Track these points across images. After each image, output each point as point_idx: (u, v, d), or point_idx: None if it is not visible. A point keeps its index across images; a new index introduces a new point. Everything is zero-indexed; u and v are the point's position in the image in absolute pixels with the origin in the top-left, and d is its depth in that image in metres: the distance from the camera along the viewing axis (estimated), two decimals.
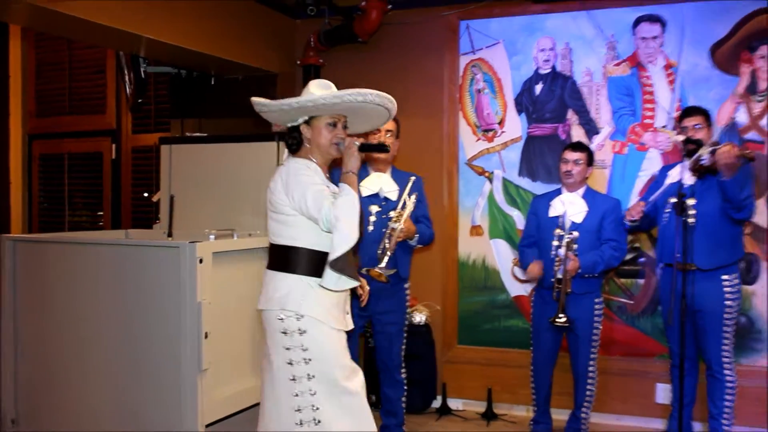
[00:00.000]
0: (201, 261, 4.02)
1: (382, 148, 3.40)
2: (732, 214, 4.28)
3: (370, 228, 4.35)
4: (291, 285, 3.21)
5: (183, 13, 4.85)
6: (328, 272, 3.14)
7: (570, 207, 4.58)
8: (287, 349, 3.20)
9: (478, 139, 5.58)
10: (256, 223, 5.05)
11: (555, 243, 4.54)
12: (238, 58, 5.30)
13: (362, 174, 4.44)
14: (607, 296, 5.29)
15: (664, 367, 4.99)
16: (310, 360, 3.18)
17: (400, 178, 4.51)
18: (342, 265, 3.09)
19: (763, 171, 4.99)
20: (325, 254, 3.15)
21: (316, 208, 3.10)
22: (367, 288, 3.59)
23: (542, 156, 5.34)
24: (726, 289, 4.40)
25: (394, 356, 4.61)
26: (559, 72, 5.40)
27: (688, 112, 4.52)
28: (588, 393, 4.71)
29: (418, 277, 5.10)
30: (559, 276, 4.46)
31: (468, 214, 5.60)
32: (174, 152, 5.32)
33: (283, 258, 3.26)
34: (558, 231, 4.55)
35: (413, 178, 4.49)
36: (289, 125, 3.36)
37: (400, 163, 4.69)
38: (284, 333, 3.20)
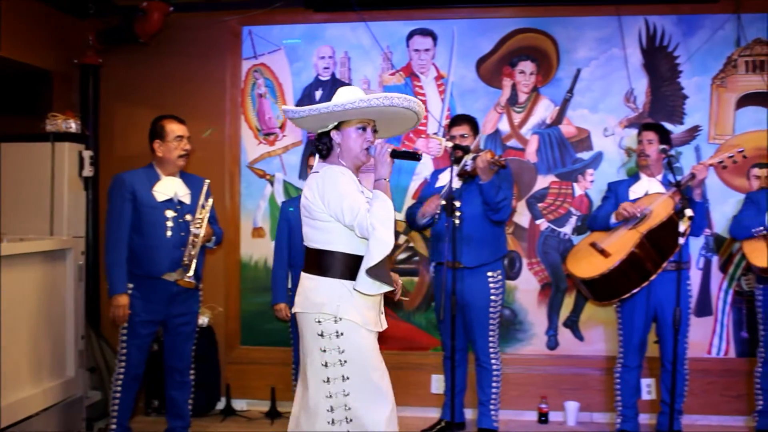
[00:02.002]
0: None
1: (415, 156, 3.36)
2: (490, 215, 4.61)
3: (169, 233, 4.35)
4: (328, 288, 3.19)
5: None
6: (365, 278, 3.11)
7: None
8: (323, 351, 3.19)
9: (260, 143, 5.66)
10: (28, 227, 4.86)
11: None
12: (7, 53, 5.05)
13: (153, 178, 4.43)
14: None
15: (437, 359, 5.26)
16: (346, 362, 3.17)
17: (189, 182, 4.53)
18: (378, 271, 3.08)
19: (524, 175, 5.41)
20: (361, 257, 3.13)
21: (352, 215, 3.09)
22: (400, 283, 3.49)
23: None
24: (491, 284, 4.72)
25: (185, 357, 4.62)
26: (338, 79, 5.58)
27: (456, 120, 4.82)
28: None
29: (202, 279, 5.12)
30: None
31: (250, 216, 5.66)
32: None
33: (319, 262, 3.23)
34: None
35: (208, 181, 4.54)
36: (319, 131, 3.32)
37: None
38: (321, 335, 3.19)
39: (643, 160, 4.76)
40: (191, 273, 4.32)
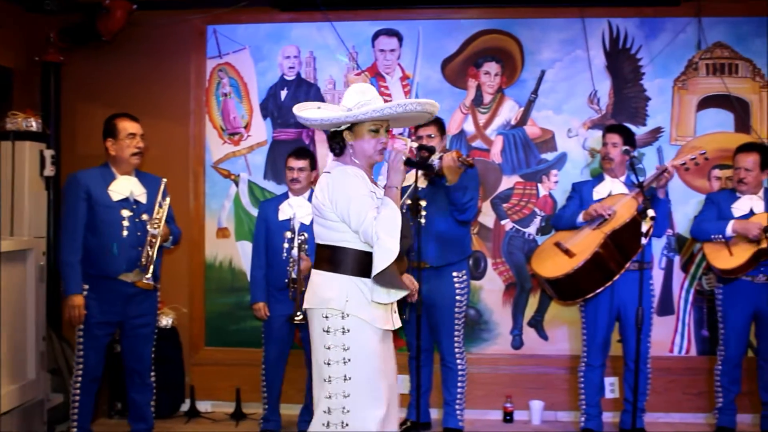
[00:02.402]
0: None
1: (428, 167, 3.34)
2: (456, 215, 4.63)
3: (125, 233, 4.32)
4: (338, 284, 3.17)
5: None
6: (377, 287, 3.12)
7: (298, 210, 4.71)
8: (327, 348, 3.17)
9: (224, 143, 5.62)
10: None
11: (286, 245, 4.68)
12: None
13: (108, 178, 4.39)
14: None
15: (403, 359, 5.19)
16: (349, 360, 3.15)
17: (146, 181, 4.49)
18: (388, 279, 3.08)
19: (489, 176, 5.44)
20: (371, 254, 3.12)
21: (358, 221, 3.09)
22: (416, 284, 3.43)
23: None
24: (456, 284, 4.74)
25: (145, 359, 4.57)
26: (304, 79, 5.57)
27: None
28: None
29: (165, 279, 5.05)
30: (294, 276, 4.62)
31: (214, 216, 5.62)
32: None
33: (329, 258, 3.23)
34: (288, 234, 4.70)
35: (165, 180, 4.50)
36: (332, 130, 3.29)
37: (147, 166, 4.64)
38: (326, 331, 3.17)
39: (607, 162, 4.80)
40: (149, 275, 4.30)
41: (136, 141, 4.42)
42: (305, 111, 3.31)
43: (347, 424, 3.15)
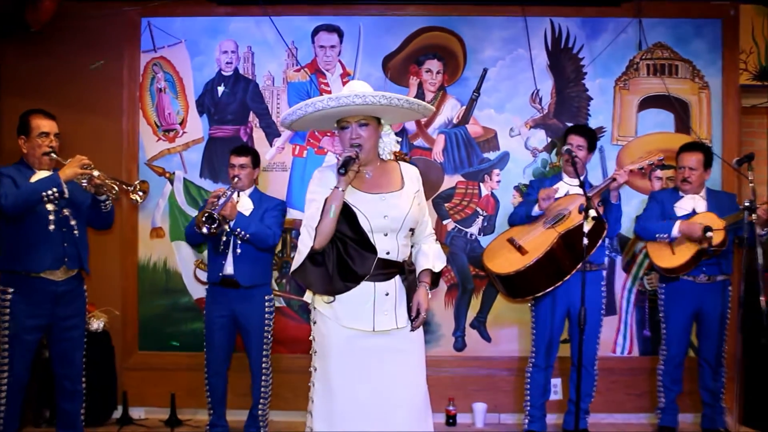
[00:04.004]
0: None
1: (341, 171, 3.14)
2: None
3: (51, 227, 4.15)
4: None
5: None
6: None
7: (238, 206, 4.59)
8: (311, 338, 3.29)
9: (159, 140, 5.46)
10: None
11: (224, 238, 4.60)
12: None
13: (27, 173, 4.21)
14: (288, 296, 5.42)
15: None
16: (315, 352, 3.24)
17: None
18: (299, 276, 3.16)
19: (430, 175, 5.37)
20: (324, 250, 3.16)
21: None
22: (423, 316, 3.26)
23: (224, 157, 5.18)
24: None
25: (76, 365, 4.39)
26: (242, 75, 5.44)
27: None
28: (263, 390, 4.77)
29: (96, 281, 4.88)
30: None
31: (148, 216, 5.45)
32: None
33: None
34: (226, 227, 4.57)
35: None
36: None
37: None
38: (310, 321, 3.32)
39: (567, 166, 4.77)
40: (131, 188, 4.25)
41: (49, 140, 4.22)
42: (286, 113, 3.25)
43: (310, 413, 3.21)
